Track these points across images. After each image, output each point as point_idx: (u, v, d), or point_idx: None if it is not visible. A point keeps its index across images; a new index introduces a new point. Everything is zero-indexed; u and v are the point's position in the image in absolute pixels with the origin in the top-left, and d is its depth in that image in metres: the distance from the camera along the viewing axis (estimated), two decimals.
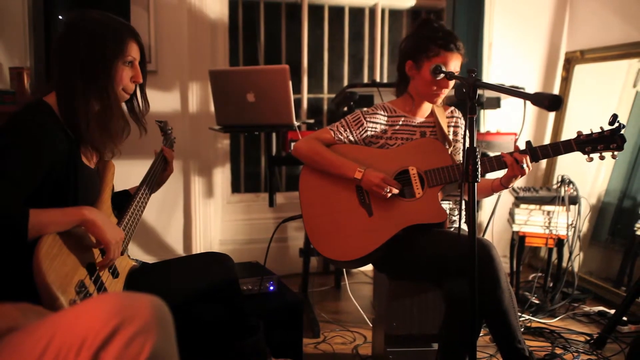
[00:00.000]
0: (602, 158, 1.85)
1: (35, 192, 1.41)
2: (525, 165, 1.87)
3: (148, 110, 1.73)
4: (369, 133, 2.14)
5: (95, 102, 1.53)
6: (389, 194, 1.97)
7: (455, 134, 2.21)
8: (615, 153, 1.83)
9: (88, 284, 1.41)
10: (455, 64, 2.03)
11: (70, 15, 1.56)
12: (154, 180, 1.84)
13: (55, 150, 1.44)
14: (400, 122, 2.15)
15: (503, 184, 1.98)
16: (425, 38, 2.03)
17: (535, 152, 1.89)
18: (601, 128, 1.84)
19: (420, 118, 2.17)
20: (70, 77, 1.49)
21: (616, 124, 1.80)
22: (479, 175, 1.52)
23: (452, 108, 2.24)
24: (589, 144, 1.84)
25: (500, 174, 2.00)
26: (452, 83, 2.04)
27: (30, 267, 1.28)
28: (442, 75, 1.96)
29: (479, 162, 1.52)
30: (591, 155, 1.85)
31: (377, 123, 2.14)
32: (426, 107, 2.18)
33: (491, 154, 3.02)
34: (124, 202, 1.73)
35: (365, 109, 2.18)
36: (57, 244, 1.36)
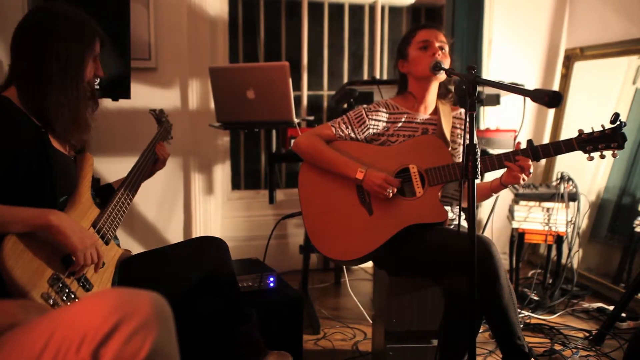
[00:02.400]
0: (602, 157, 1.83)
1: (7, 183, 1.41)
2: (532, 170, 1.89)
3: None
4: (370, 130, 2.14)
5: (66, 93, 1.53)
6: (391, 194, 1.97)
7: (459, 136, 2.20)
8: (616, 152, 1.81)
9: (64, 276, 1.40)
10: (435, 37, 2.08)
11: (40, 7, 1.58)
12: (144, 169, 1.84)
13: (15, 139, 1.43)
14: (403, 119, 2.15)
15: (503, 183, 1.98)
16: (405, 35, 2.19)
17: (536, 151, 1.89)
18: (602, 126, 1.82)
19: (423, 115, 2.17)
20: (45, 67, 1.49)
21: (617, 123, 1.78)
22: (479, 172, 1.52)
23: (461, 110, 2.23)
24: (590, 142, 1.83)
25: (498, 174, 2.00)
26: (440, 51, 2.07)
27: None
28: (441, 71, 2.00)
29: (479, 160, 1.52)
30: (592, 154, 1.83)
31: (379, 120, 2.14)
32: (430, 103, 2.17)
33: (491, 151, 3.03)
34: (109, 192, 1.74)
35: (367, 105, 2.18)
36: (25, 240, 1.35)
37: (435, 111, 2.18)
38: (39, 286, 1.31)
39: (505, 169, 1.94)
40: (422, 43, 2.08)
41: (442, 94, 2.21)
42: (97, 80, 1.64)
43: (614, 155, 1.83)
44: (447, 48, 2.10)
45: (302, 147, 2.13)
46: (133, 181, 1.78)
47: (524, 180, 1.90)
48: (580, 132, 1.86)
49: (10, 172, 1.42)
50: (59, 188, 1.53)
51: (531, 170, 1.89)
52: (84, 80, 1.57)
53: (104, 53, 1.65)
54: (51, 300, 1.31)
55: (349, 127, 2.13)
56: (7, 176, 1.42)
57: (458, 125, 2.20)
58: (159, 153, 1.92)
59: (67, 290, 1.39)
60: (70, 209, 1.54)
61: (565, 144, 1.86)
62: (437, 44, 2.06)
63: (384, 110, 2.15)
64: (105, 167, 2.90)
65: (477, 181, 2.13)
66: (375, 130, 2.13)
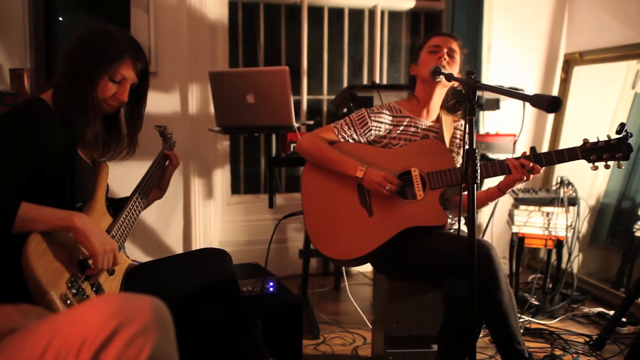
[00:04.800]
0: (607, 167, 1.82)
1: (32, 182, 1.43)
2: (532, 167, 1.87)
3: (137, 130, 1.75)
4: (373, 132, 2.14)
5: (73, 104, 1.54)
6: (390, 192, 1.97)
7: (458, 146, 2.21)
8: (621, 162, 1.80)
9: (80, 279, 1.42)
10: (446, 43, 2.10)
11: (89, 25, 1.63)
12: (152, 182, 1.85)
13: (49, 140, 1.46)
14: (405, 123, 2.16)
15: (501, 189, 1.98)
16: (422, 40, 2.21)
17: (539, 158, 1.88)
18: (608, 136, 1.81)
19: (425, 121, 2.18)
20: (62, 78, 1.55)
21: (623, 133, 1.77)
22: (479, 176, 1.52)
23: (463, 122, 2.23)
24: (594, 152, 1.82)
25: (495, 182, 2.00)
26: (448, 57, 2.08)
27: (20, 264, 1.29)
28: (441, 76, 2.00)
29: (479, 165, 1.52)
30: (596, 164, 1.83)
31: (381, 122, 2.15)
32: (432, 109, 2.18)
33: (490, 156, 3.03)
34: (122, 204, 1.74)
35: (370, 107, 2.19)
36: (47, 240, 1.36)
37: (438, 119, 2.19)
38: (58, 287, 1.33)
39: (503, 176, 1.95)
40: (433, 47, 2.11)
41: (450, 108, 2.22)
42: (115, 103, 1.61)
43: (619, 166, 1.81)
44: (457, 56, 2.11)
45: (304, 147, 2.14)
46: (143, 193, 1.79)
47: (525, 179, 1.89)
48: (585, 141, 1.85)
49: (36, 173, 1.45)
50: (77, 195, 1.55)
51: (531, 168, 1.87)
52: (92, 96, 1.55)
53: None
54: (68, 301, 1.33)
55: (352, 129, 2.14)
56: (32, 177, 1.44)
57: (458, 136, 2.21)
58: (172, 159, 1.95)
59: (82, 294, 1.40)
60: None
61: (569, 152, 1.86)
62: (446, 50, 2.08)
63: (387, 112, 2.16)
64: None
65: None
66: (377, 132, 2.14)
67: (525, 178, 1.89)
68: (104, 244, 1.45)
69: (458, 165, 2.18)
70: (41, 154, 1.44)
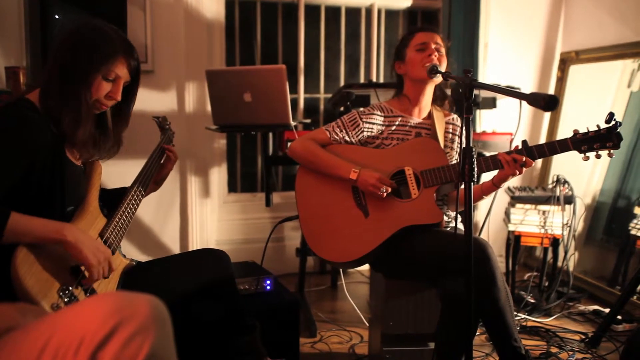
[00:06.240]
0: (598, 157, 1.83)
1: (21, 187, 1.41)
2: (525, 161, 1.86)
3: (123, 129, 1.72)
4: (365, 133, 2.14)
5: (66, 104, 1.50)
6: (385, 194, 1.97)
7: (452, 141, 2.22)
8: (612, 151, 1.81)
9: (73, 287, 1.40)
10: (433, 39, 2.10)
11: (78, 20, 1.58)
12: (149, 178, 1.83)
13: (35, 143, 1.43)
14: (397, 122, 2.16)
15: (495, 183, 1.98)
16: (402, 37, 2.20)
17: (531, 151, 1.89)
18: (597, 126, 1.82)
19: (417, 119, 2.18)
20: (52, 76, 1.50)
21: (612, 122, 1.78)
22: (476, 175, 1.53)
23: (454, 116, 2.24)
24: (585, 142, 1.83)
25: (490, 176, 2.00)
26: (437, 53, 2.08)
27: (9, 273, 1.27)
28: (438, 74, 2.00)
29: (475, 162, 1.53)
30: (587, 154, 1.83)
31: (373, 123, 2.14)
32: (424, 106, 2.18)
33: (487, 154, 3.04)
34: (118, 199, 1.72)
35: (361, 109, 2.19)
36: (36, 249, 1.34)
37: (429, 116, 2.19)
38: (49, 296, 1.31)
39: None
40: (420, 45, 2.09)
41: (439, 98, 2.22)
42: (109, 102, 1.58)
43: (609, 155, 1.82)
44: (444, 51, 2.10)
45: (297, 151, 2.13)
46: (137, 192, 1.76)
47: (518, 173, 1.90)
48: (576, 132, 1.86)
49: (24, 178, 1.42)
50: (67, 198, 1.52)
51: (524, 162, 1.88)
52: (85, 96, 1.51)
53: None
54: None
55: (343, 131, 2.14)
56: (20, 182, 1.41)
57: (451, 130, 2.21)
58: (170, 154, 1.91)
59: (75, 301, 1.38)
60: (78, 219, 1.53)
61: (560, 143, 1.86)
62: (433, 46, 2.07)
63: (379, 113, 2.16)
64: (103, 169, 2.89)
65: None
66: (370, 133, 2.14)
67: (518, 172, 1.89)
68: (97, 254, 1.43)
69: (452, 160, 2.18)
70: (28, 160, 1.41)
